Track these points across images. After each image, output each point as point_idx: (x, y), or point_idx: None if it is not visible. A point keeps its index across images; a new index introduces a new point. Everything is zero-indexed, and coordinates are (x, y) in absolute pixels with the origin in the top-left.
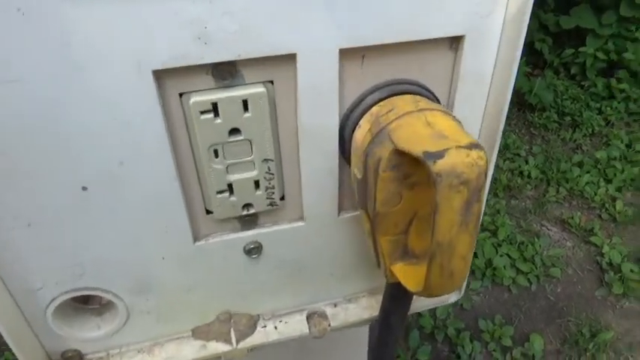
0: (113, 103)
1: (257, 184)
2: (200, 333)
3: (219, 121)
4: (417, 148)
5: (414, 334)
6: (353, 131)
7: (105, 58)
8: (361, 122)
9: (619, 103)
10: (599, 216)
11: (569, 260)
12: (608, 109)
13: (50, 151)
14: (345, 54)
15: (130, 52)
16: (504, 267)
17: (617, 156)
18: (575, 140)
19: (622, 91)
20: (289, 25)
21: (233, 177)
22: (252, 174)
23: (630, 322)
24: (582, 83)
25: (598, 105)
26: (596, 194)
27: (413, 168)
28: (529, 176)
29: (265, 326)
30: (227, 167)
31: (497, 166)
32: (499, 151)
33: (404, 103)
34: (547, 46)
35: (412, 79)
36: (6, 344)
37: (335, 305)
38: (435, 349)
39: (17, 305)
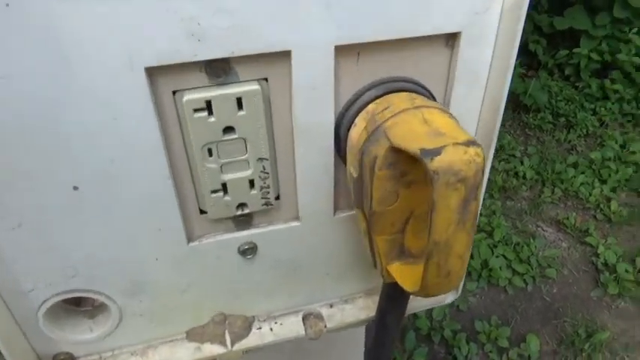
0: (104, 100)
1: (252, 183)
2: (194, 335)
3: (213, 119)
4: (413, 146)
5: (411, 336)
6: (348, 129)
7: (96, 54)
8: (357, 120)
9: (613, 104)
10: (594, 216)
11: (564, 261)
12: (603, 109)
13: (40, 149)
14: (341, 51)
15: (122, 49)
16: (500, 268)
17: (611, 156)
18: (569, 141)
19: (616, 91)
20: (284, 21)
21: (227, 176)
22: (247, 173)
23: (626, 322)
24: (576, 84)
25: (592, 106)
26: (591, 195)
27: (409, 166)
28: (524, 177)
29: (260, 328)
30: (221, 166)
31: (492, 167)
32: (494, 152)
33: (400, 100)
34: (541, 48)
35: (408, 77)
36: None
37: (331, 306)
38: (432, 351)
39: (7, 307)
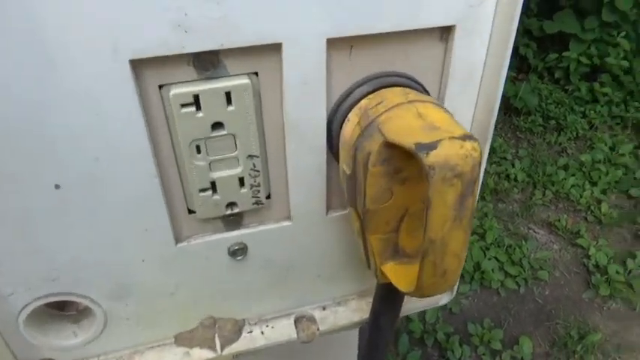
0: (87, 94)
1: (242, 181)
2: (183, 339)
3: (200, 114)
4: (408, 140)
5: (404, 339)
6: (341, 125)
7: (77, 46)
8: (350, 116)
9: (602, 106)
10: (585, 218)
11: (556, 263)
12: (592, 112)
13: (19, 146)
14: (333, 44)
15: (105, 40)
16: (493, 270)
17: (601, 159)
18: (560, 144)
19: (605, 94)
20: (274, 13)
21: (216, 174)
22: (237, 171)
23: (617, 323)
24: (566, 87)
25: (582, 109)
26: (581, 197)
27: (404, 162)
28: (516, 179)
29: (251, 331)
30: (210, 164)
31: (484, 170)
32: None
33: (393, 95)
34: (531, 51)
35: (402, 72)
36: None
37: (324, 308)
38: (425, 354)
39: None
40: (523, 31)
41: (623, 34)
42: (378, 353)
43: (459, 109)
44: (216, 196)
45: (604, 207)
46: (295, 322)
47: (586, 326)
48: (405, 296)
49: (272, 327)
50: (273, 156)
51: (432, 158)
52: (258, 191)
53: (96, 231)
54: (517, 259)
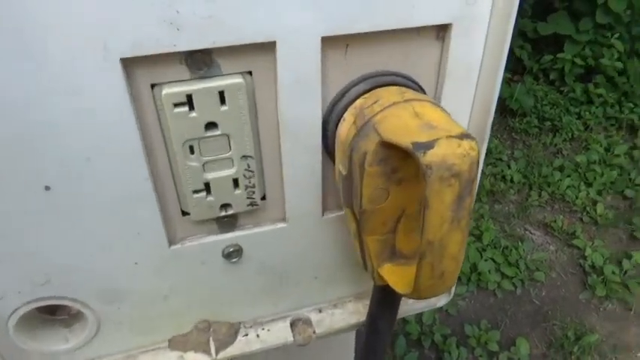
0: (77, 93)
1: (236, 182)
2: (177, 343)
3: (194, 114)
4: (404, 140)
5: (401, 341)
6: (337, 125)
7: (67, 44)
8: (345, 115)
9: (597, 107)
10: (581, 219)
11: (552, 264)
12: (587, 113)
13: (8, 147)
14: (328, 42)
15: (95, 38)
16: (489, 271)
17: (596, 160)
18: (555, 145)
19: (599, 96)
20: (268, 10)
21: (210, 175)
22: (231, 172)
23: (613, 324)
24: (561, 89)
25: (577, 110)
26: (577, 198)
27: (400, 162)
28: (512, 181)
29: (247, 335)
30: (203, 165)
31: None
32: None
33: (389, 94)
34: (526, 53)
35: (398, 71)
36: None
37: (320, 311)
38: (422, 356)
39: None
40: (518, 33)
41: (617, 35)
42: (376, 357)
43: (455, 109)
44: (210, 198)
45: (599, 208)
46: (291, 325)
47: (582, 327)
48: (403, 298)
49: (268, 330)
50: (267, 156)
51: (429, 157)
52: (253, 192)
53: (87, 233)
54: (513, 261)
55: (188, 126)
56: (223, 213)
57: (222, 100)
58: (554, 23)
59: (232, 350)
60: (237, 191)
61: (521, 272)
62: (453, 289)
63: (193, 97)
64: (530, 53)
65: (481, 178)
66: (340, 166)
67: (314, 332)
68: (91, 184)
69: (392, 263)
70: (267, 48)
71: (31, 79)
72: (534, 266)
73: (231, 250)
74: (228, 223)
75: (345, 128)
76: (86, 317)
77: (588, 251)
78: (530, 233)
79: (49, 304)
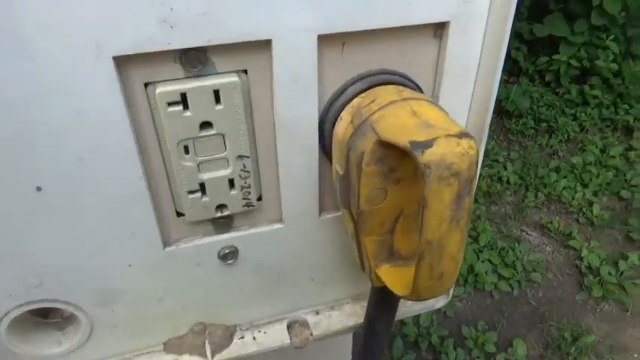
0: (69, 92)
1: (231, 183)
2: (172, 346)
3: (188, 113)
4: (402, 139)
5: (398, 343)
6: (333, 124)
7: (58, 41)
8: (342, 114)
9: (592, 109)
10: (577, 220)
11: (549, 265)
12: (583, 115)
13: None
14: (324, 41)
15: (88, 36)
16: (486, 272)
17: (592, 161)
18: (551, 146)
19: (595, 97)
20: (264, 8)
21: (205, 175)
22: (226, 172)
23: (610, 325)
24: (557, 90)
25: (573, 111)
26: (573, 199)
27: (398, 161)
28: (508, 182)
29: (243, 337)
30: (198, 165)
31: None
32: None
33: (387, 93)
34: (522, 54)
35: (395, 70)
36: None
37: (317, 313)
38: (419, 358)
39: None
40: (514, 35)
41: (612, 37)
42: (373, 358)
43: (453, 108)
44: (205, 198)
45: (596, 209)
46: (288, 327)
47: (579, 328)
48: (401, 300)
49: (264, 332)
50: (263, 156)
51: (427, 157)
52: (249, 193)
53: (80, 235)
54: (510, 262)
55: (182, 125)
56: (219, 214)
57: (217, 99)
58: (549, 25)
59: (228, 353)
60: (233, 192)
61: (517, 273)
62: (452, 290)
63: (188, 95)
64: (526, 55)
65: (477, 179)
66: (337, 166)
67: (311, 334)
68: (83, 184)
69: (390, 264)
70: (263, 46)
71: (20, 79)
72: (531, 267)
73: (227, 251)
74: (223, 224)
75: (342, 127)
76: (79, 320)
77: (585, 252)
78: (527, 234)
79: (42, 307)
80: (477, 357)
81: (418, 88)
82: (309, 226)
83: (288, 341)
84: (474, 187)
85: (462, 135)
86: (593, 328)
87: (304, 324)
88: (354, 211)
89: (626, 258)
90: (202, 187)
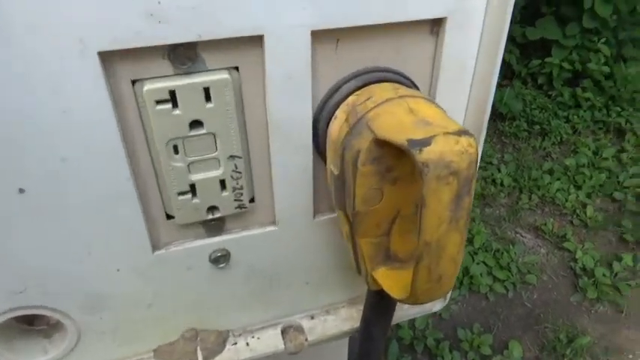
0: (52, 90)
1: (223, 184)
2: (163, 353)
3: (178, 112)
4: (399, 137)
5: (393, 346)
6: (328, 123)
7: (40, 36)
8: (337, 113)
9: (585, 111)
10: (571, 222)
11: (543, 267)
12: (575, 117)
13: None
14: (318, 36)
15: (71, 30)
16: (481, 275)
17: (585, 163)
18: (544, 148)
19: (587, 99)
20: (256, 2)
21: (196, 176)
22: (218, 173)
23: (605, 326)
24: (549, 93)
25: (565, 114)
26: (567, 200)
27: (395, 160)
28: (502, 184)
29: (236, 343)
30: (189, 165)
31: None
32: None
33: (383, 90)
34: (515, 57)
35: (391, 67)
36: None
37: (312, 317)
38: None
39: None
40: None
41: (603, 40)
42: None
43: (450, 108)
44: (196, 200)
45: (589, 210)
46: (282, 332)
47: (574, 329)
48: (397, 303)
49: (258, 338)
50: (256, 156)
51: (425, 155)
52: (241, 194)
53: (65, 238)
54: (505, 264)
55: (172, 124)
56: (210, 216)
57: (208, 97)
58: (541, 28)
59: (221, 359)
60: (225, 193)
61: (512, 275)
62: (449, 293)
63: (177, 93)
64: (518, 58)
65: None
66: (332, 166)
67: (306, 340)
68: (68, 186)
69: (387, 267)
70: (255, 42)
71: (3, 71)
72: (526, 269)
73: (219, 255)
74: (215, 226)
75: (336, 126)
76: (66, 327)
77: (579, 254)
78: (521, 236)
79: (27, 314)
80: (473, 359)
81: (414, 86)
82: (303, 228)
83: (283, 347)
84: (474, 186)
85: (461, 133)
86: (589, 329)
87: (299, 329)
88: (349, 212)
89: (620, 259)
90: (193, 189)
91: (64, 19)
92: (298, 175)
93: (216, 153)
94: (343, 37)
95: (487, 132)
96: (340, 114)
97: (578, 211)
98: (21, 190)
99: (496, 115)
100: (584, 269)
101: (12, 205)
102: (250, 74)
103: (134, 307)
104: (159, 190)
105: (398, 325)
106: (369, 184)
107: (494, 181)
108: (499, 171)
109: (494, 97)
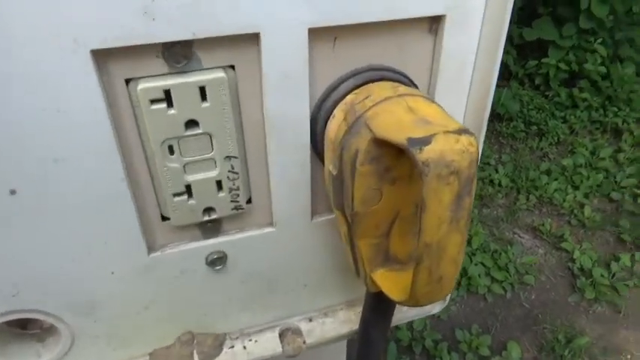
0: (44, 89)
1: (219, 184)
2: (158, 357)
3: (173, 111)
4: (399, 136)
5: (392, 348)
6: (326, 122)
7: (32, 35)
8: (335, 112)
9: (582, 112)
10: (569, 222)
11: (541, 267)
12: (572, 117)
13: None
14: (315, 34)
15: (63, 28)
16: (479, 275)
17: (582, 163)
18: (542, 149)
19: (584, 100)
20: None
21: (191, 177)
22: (214, 173)
23: (603, 326)
24: (546, 93)
25: (562, 114)
26: (564, 201)
27: (394, 160)
28: (500, 185)
29: (233, 346)
30: (184, 166)
31: None
32: None
33: (381, 89)
34: (512, 58)
35: (389, 66)
36: None
37: (310, 320)
38: None
39: None
40: None
41: (600, 40)
42: None
43: (449, 105)
44: (191, 201)
45: (587, 211)
46: (280, 335)
47: (573, 330)
48: (398, 305)
49: (255, 341)
50: (253, 157)
51: (425, 154)
52: (238, 195)
53: (59, 241)
54: (503, 264)
55: (167, 124)
56: (206, 217)
57: (204, 96)
58: (538, 29)
59: None
60: (221, 194)
61: (510, 276)
62: (449, 295)
63: (172, 92)
64: (515, 58)
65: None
66: (330, 166)
67: (304, 342)
68: (60, 187)
69: (386, 268)
70: (251, 40)
71: None
72: (524, 270)
73: (215, 257)
74: (211, 228)
75: (334, 125)
76: (60, 331)
77: (577, 254)
78: (519, 237)
79: (20, 318)
80: None
81: (413, 85)
82: (301, 229)
83: (280, 350)
84: (475, 186)
85: (462, 131)
86: (587, 329)
87: (297, 331)
88: (347, 213)
89: (617, 259)
90: (188, 190)
91: (56, 17)
92: (296, 176)
93: (212, 153)
94: (341, 35)
95: (485, 132)
96: (338, 113)
97: (575, 211)
98: (12, 192)
99: (493, 116)
100: (582, 269)
101: (3, 206)
102: (247, 73)
103: (129, 311)
104: (154, 191)
105: (396, 326)
106: (368, 184)
107: (491, 181)
108: (497, 171)
109: (492, 98)
